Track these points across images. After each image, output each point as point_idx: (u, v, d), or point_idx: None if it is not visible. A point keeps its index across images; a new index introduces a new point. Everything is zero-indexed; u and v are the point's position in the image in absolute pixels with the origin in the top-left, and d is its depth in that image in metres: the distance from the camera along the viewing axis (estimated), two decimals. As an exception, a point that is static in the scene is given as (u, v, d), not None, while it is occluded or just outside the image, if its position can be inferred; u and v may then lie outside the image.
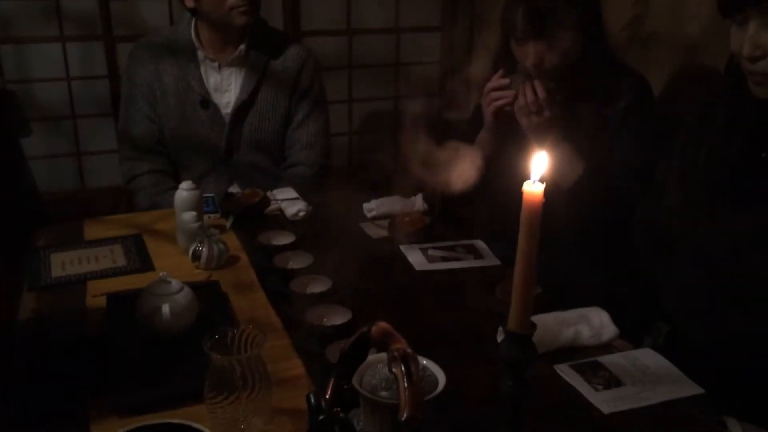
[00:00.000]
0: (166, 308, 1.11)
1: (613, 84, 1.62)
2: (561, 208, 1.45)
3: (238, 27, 1.89)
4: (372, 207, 1.74)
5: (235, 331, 0.97)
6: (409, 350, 0.67)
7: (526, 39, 1.57)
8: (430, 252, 1.57)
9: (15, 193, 2.50)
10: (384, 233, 1.65)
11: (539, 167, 0.71)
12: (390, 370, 0.67)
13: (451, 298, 1.40)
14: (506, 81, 1.60)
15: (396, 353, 0.65)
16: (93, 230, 1.62)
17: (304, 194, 1.80)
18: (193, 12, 1.91)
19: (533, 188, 0.71)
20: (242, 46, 1.93)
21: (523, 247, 0.73)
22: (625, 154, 1.59)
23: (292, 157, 2.05)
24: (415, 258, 1.54)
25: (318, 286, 1.29)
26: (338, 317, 1.19)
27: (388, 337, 0.68)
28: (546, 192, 0.72)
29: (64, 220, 1.77)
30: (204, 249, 1.42)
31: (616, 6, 1.64)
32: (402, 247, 1.59)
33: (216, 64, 1.95)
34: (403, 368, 0.64)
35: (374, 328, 0.69)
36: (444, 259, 1.55)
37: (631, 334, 1.36)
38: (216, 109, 1.96)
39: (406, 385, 0.64)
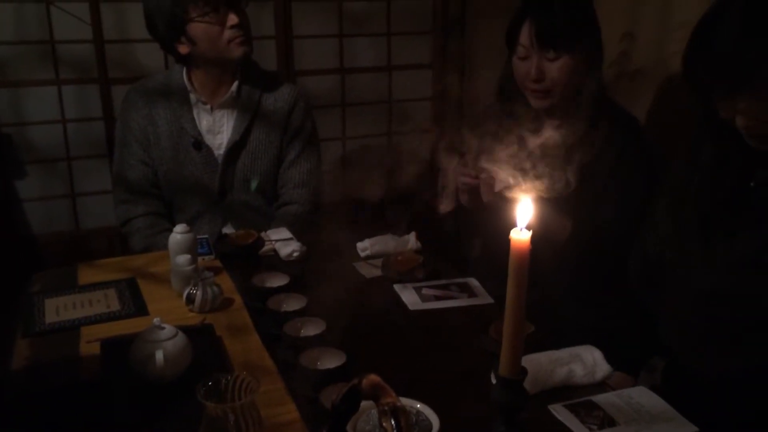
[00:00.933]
0: (159, 355, 1.11)
1: (606, 124, 1.63)
2: (553, 250, 1.46)
3: (235, 61, 1.92)
4: (365, 246, 1.75)
5: (229, 377, 0.97)
6: (399, 404, 0.68)
7: (529, 53, 1.60)
8: (424, 291, 1.58)
9: (10, 237, 2.51)
10: (378, 272, 1.66)
11: (525, 215, 0.73)
12: (380, 425, 0.68)
13: (445, 338, 1.40)
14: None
15: (386, 407, 0.66)
16: (87, 274, 1.63)
17: (297, 233, 1.81)
18: (187, 60, 1.94)
19: (520, 236, 0.72)
20: (233, 87, 1.95)
21: (512, 294, 0.74)
22: (618, 200, 1.60)
23: (285, 196, 2.07)
24: (409, 297, 1.55)
25: (312, 328, 1.29)
26: (332, 360, 1.19)
27: (378, 390, 0.69)
28: (537, 239, 0.74)
29: (59, 262, 1.77)
30: (198, 292, 1.42)
31: (603, 42, 1.68)
32: (396, 287, 1.60)
33: (208, 107, 1.97)
34: (393, 423, 0.64)
35: (365, 381, 0.69)
36: (438, 298, 1.56)
37: (629, 369, 1.36)
38: (209, 150, 1.98)
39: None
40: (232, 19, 1.86)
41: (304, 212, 2.05)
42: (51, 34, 2.62)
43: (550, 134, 1.70)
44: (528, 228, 0.72)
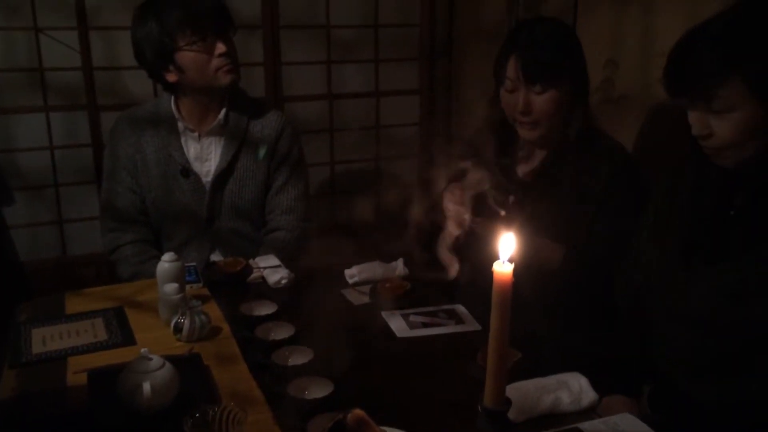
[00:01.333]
0: (147, 386, 1.11)
1: (594, 153, 1.66)
2: (542, 277, 1.48)
3: (223, 89, 1.93)
4: (353, 273, 1.76)
5: (216, 408, 0.97)
6: (383, 438, 0.68)
7: (516, 86, 1.62)
8: (412, 318, 1.59)
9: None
10: (366, 299, 1.67)
11: (508, 248, 0.74)
12: (365, 459, 0.68)
13: (433, 366, 1.41)
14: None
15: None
16: (74, 303, 1.62)
17: (286, 260, 1.82)
18: (174, 88, 1.95)
19: (503, 268, 0.74)
20: (221, 115, 1.97)
21: (496, 325, 0.75)
22: (608, 228, 1.61)
23: (273, 222, 2.08)
24: (397, 324, 1.55)
25: (300, 357, 1.29)
26: (320, 389, 1.19)
27: (363, 426, 0.69)
28: (527, 266, 0.75)
29: (46, 289, 1.76)
30: (186, 321, 1.42)
31: (588, 69, 1.71)
32: (384, 314, 1.60)
33: (196, 134, 1.99)
34: (377, 458, 0.65)
35: (350, 416, 0.70)
36: (425, 325, 1.56)
37: (627, 392, 1.36)
38: (197, 177, 1.99)
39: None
40: (220, 47, 1.88)
41: (292, 238, 2.06)
42: (40, 61, 2.63)
43: (537, 164, 1.73)
44: (510, 260, 0.74)
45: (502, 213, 1.46)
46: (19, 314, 1.57)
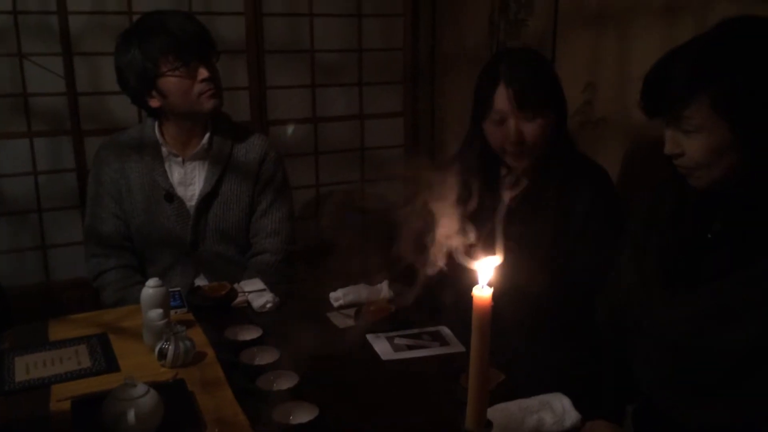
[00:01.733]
0: (131, 414, 1.11)
1: (576, 175, 1.69)
2: (521, 301, 1.49)
3: (206, 114, 1.95)
4: (338, 296, 1.77)
5: (201, 435, 0.97)
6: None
7: (506, 116, 1.64)
8: (396, 341, 1.59)
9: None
10: (351, 322, 1.68)
11: (487, 272, 0.76)
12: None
13: (418, 388, 1.41)
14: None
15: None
16: (58, 330, 1.61)
17: (270, 283, 1.82)
18: (157, 113, 1.97)
19: (482, 293, 0.75)
20: (205, 140, 1.98)
21: (476, 348, 0.77)
22: (590, 251, 1.63)
23: (258, 245, 2.08)
24: (382, 347, 1.56)
25: (285, 382, 1.30)
26: (305, 414, 1.19)
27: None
28: (509, 290, 0.76)
29: (29, 314, 1.75)
30: (170, 347, 1.42)
31: (567, 93, 1.75)
32: (369, 336, 1.61)
33: (180, 159, 2.00)
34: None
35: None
36: (410, 347, 1.57)
37: (611, 417, 1.37)
38: (181, 202, 1.99)
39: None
40: (203, 72, 1.90)
41: (276, 261, 2.07)
42: (24, 86, 2.63)
43: (523, 189, 1.75)
44: (489, 285, 0.75)
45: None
46: (2, 342, 1.56)
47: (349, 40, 3.13)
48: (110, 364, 1.44)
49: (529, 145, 1.66)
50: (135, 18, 2.65)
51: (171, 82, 1.88)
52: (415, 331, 1.64)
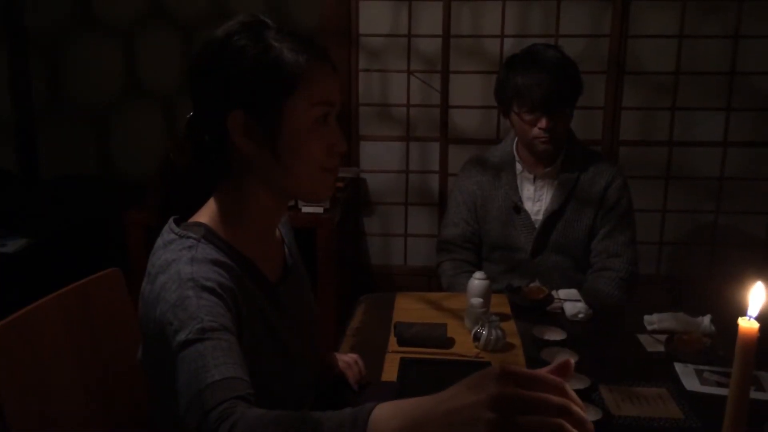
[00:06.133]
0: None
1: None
2: None
3: (540, 154, 2.13)
4: (653, 320, 1.76)
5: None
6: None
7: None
8: (705, 374, 1.55)
9: (354, 265, 3.00)
10: (660, 348, 1.66)
11: (757, 302, 0.77)
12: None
13: (712, 427, 1.36)
14: None
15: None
16: (402, 302, 1.94)
17: (609, 295, 1.93)
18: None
19: (748, 324, 0.77)
20: (558, 162, 2.15)
21: (737, 379, 0.78)
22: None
23: (599, 264, 2.16)
24: (688, 377, 1.53)
25: (575, 383, 1.38)
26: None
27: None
28: None
29: (388, 288, 2.10)
30: (484, 332, 1.62)
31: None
32: (676, 365, 1.58)
33: (531, 176, 2.19)
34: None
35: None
36: (719, 384, 1.51)
37: None
38: (527, 215, 2.18)
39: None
40: (543, 123, 2.05)
41: (619, 278, 2.12)
42: (408, 98, 3.13)
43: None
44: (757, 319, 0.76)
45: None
46: (359, 303, 1.95)
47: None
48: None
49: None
50: (506, 41, 2.96)
51: (515, 119, 2.11)
52: (730, 369, 1.56)
